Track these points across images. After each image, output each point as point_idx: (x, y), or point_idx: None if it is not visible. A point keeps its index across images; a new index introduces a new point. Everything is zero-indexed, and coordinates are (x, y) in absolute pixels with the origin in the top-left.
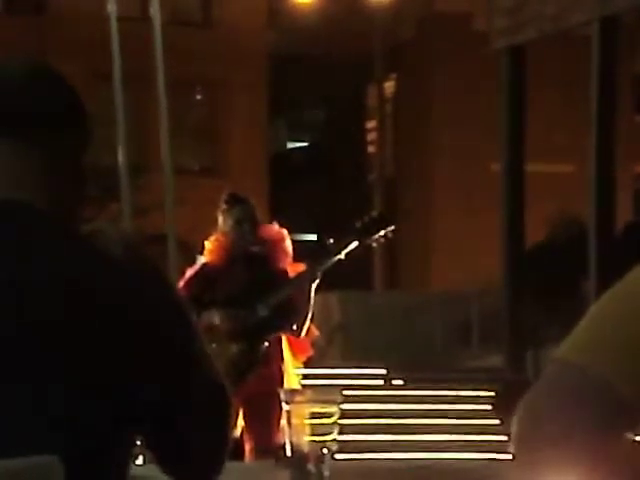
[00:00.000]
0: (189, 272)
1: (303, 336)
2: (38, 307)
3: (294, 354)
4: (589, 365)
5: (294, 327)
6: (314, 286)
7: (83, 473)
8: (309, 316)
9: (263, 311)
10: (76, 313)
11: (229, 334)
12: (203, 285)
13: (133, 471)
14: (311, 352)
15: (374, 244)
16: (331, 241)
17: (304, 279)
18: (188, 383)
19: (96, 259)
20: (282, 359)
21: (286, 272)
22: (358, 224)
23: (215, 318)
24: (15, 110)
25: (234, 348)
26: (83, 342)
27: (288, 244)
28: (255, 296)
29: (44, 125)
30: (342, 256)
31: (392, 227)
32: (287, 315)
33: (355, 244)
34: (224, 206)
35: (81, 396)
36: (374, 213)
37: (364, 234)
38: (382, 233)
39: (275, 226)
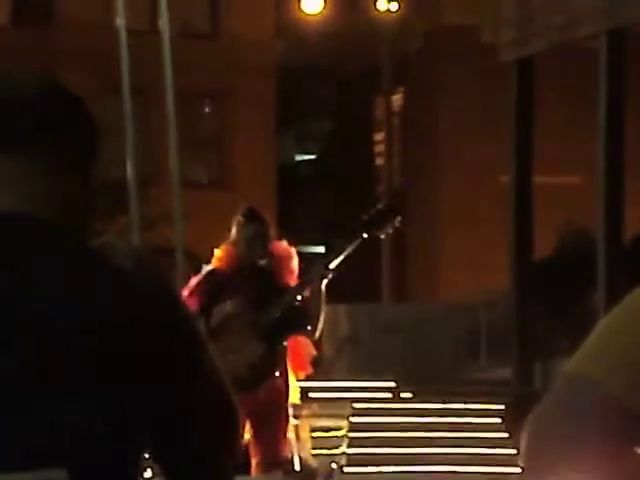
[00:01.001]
0: (194, 280)
1: (303, 354)
2: (41, 317)
3: (294, 371)
4: (598, 379)
5: (308, 327)
6: (324, 283)
7: None
8: (322, 315)
9: (276, 312)
10: (80, 324)
11: (246, 339)
12: (209, 293)
13: None
14: (310, 370)
15: (382, 236)
16: (339, 241)
17: (314, 277)
18: (192, 396)
19: (103, 271)
20: (287, 373)
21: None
22: (365, 217)
23: (241, 328)
24: (21, 123)
25: (254, 352)
26: (86, 354)
27: (295, 262)
28: (263, 303)
29: (51, 137)
30: (350, 250)
31: (399, 218)
32: (301, 315)
33: (364, 237)
34: (240, 219)
35: (85, 408)
36: (380, 205)
37: (372, 227)
38: (390, 225)
39: (284, 243)
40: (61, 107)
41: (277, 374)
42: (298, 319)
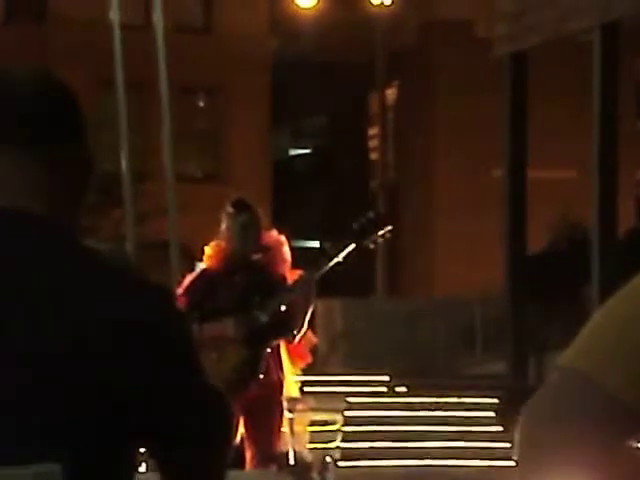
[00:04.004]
0: (188, 278)
1: (301, 343)
2: (37, 315)
3: (292, 361)
4: (593, 372)
5: (294, 333)
6: (313, 291)
7: None
8: (306, 321)
9: (264, 317)
10: (75, 322)
11: (231, 342)
12: (203, 291)
13: (136, 479)
14: (310, 359)
15: (372, 245)
16: (329, 245)
17: (302, 284)
18: (190, 393)
19: (95, 268)
20: (281, 367)
21: (285, 278)
22: (355, 226)
23: (228, 330)
24: (16, 118)
25: (237, 355)
26: (83, 352)
27: (287, 250)
28: (254, 303)
29: (45, 133)
30: (340, 259)
31: (389, 227)
32: (287, 321)
33: (353, 246)
34: (231, 210)
35: (83, 405)
36: (371, 214)
37: (362, 235)
38: (380, 234)
39: (274, 232)
40: (57, 103)
41: (261, 376)
42: (284, 324)
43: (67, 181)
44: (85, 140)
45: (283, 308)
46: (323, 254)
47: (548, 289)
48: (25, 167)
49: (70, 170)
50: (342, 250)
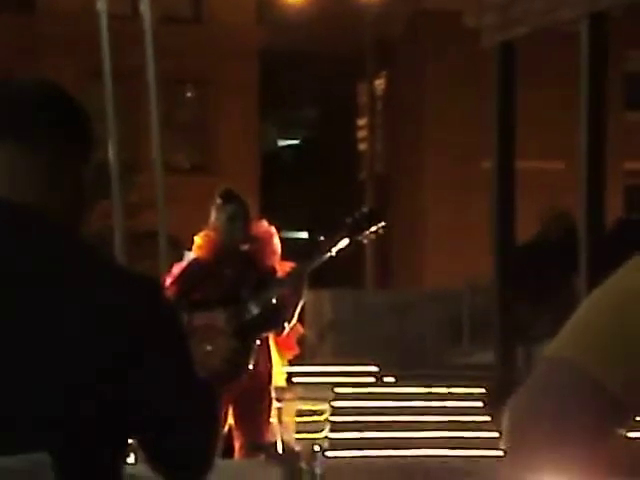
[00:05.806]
0: (176, 268)
1: (289, 335)
2: (34, 312)
3: (280, 352)
4: (580, 362)
5: (284, 325)
6: (305, 284)
7: (78, 471)
8: (296, 314)
9: (255, 309)
10: (73, 313)
11: (222, 332)
12: (192, 281)
13: (125, 469)
14: (297, 350)
15: (365, 241)
16: (322, 238)
17: (295, 277)
18: (182, 384)
19: (93, 261)
20: (270, 358)
21: (274, 270)
22: (349, 220)
23: (218, 321)
24: (21, 119)
25: (228, 346)
26: (80, 342)
27: (277, 242)
28: (244, 295)
29: (44, 131)
30: (333, 253)
31: (383, 223)
32: (278, 314)
33: (346, 241)
34: (218, 201)
35: (78, 396)
36: (364, 209)
37: (355, 230)
38: (373, 229)
39: (264, 223)
40: (59, 106)
41: (251, 367)
42: (276, 317)
43: (68, 180)
44: (89, 141)
45: (274, 301)
46: (316, 248)
47: (537, 280)
48: (25, 165)
49: (71, 169)
50: (335, 244)
